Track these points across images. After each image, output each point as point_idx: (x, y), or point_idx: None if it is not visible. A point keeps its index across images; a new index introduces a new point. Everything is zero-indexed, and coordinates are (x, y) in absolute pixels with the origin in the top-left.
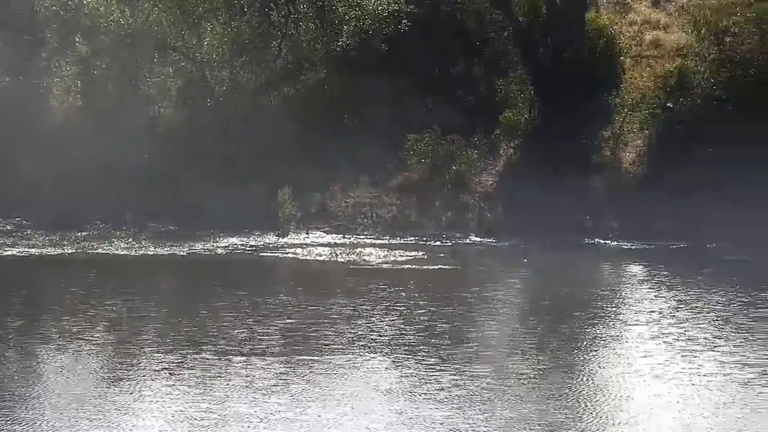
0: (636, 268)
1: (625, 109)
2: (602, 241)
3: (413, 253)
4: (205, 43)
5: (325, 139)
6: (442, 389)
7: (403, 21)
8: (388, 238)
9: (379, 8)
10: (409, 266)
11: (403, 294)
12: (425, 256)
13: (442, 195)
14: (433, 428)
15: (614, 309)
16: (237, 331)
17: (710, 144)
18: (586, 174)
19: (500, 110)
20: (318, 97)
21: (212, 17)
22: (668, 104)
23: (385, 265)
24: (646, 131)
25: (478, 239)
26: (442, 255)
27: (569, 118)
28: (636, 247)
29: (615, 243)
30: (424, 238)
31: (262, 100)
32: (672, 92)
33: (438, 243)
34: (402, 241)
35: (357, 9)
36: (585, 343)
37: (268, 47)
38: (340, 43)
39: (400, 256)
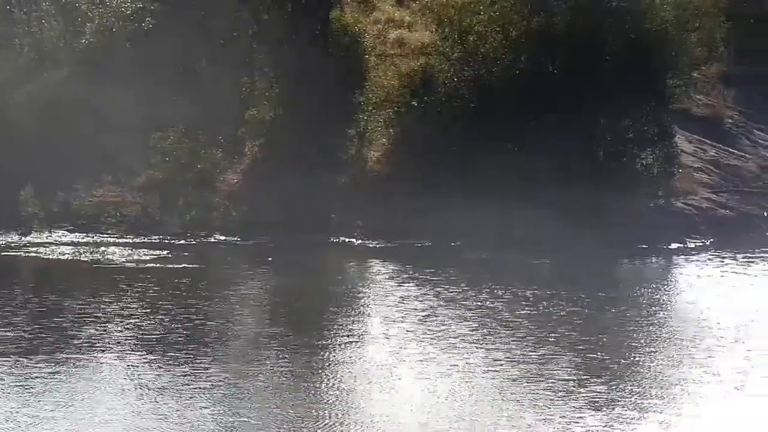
0: (387, 267)
1: (370, 108)
2: (348, 240)
3: (157, 252)
4: None
5: (69, 137)
6: (213, 387)
7: (147, 19)
8: (132, 237)
9: (123, 6)
10: (154, 265)
11: (159, 293)
12: (170, 255)
13: (187, 194)
14: (205, 426)
15: (378, 307)
16: (1, 330)
17: (454, 142)
18: (332, 172)
19: (246, 108)
20: (62, 95)
21: None
22: (413, 103)
23: (129, 264)
24: (391, 130)
25: (223, 238)
26: (187, 254)
27: (315, 116)
28: (381, 245)
29: (360, 241)
30: (168, 237)
31: (4, 97)
32: (416, 91)
33: (182, 242)
34: (146, 240)
35: (100, 6)
36: (352, 341)
37: (11, 45)
38: (83, 41)
39: (145, 255)
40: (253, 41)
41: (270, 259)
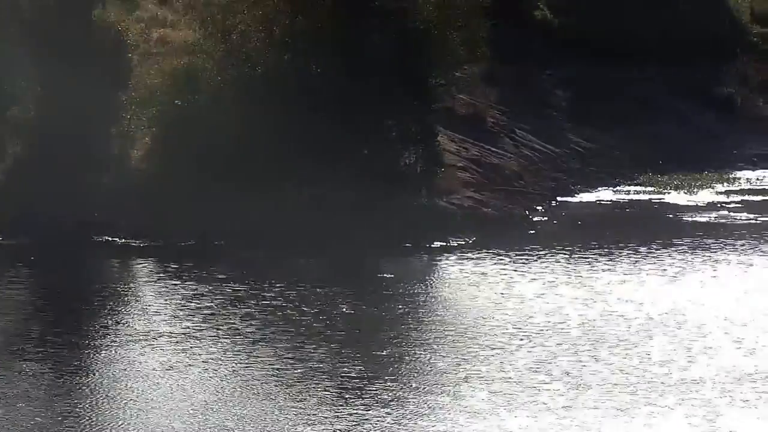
0: (162, 266)
1: (134, 107)
2: (111, 239)
3: None
4: None
5: None
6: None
7: None
8: None
9: None
10: None
11: None
12: None
13: None
14: None
15: (161, 306)
16: None
17: (219, 141)
18: (96, 171)
19: (7, 107)
20: None
21: None
22: (176, 101)
23: None
24: (155, 129)
25: None
26: None
27: (79, 115)
28: (145, 244)
29: (124, 240)
30: None
31: None
32: (180, 89)
33: None
34: None
35: None
36: (137, 339)
37: None
38: None
39: None
40: (15, 39)
41: (32, 258)
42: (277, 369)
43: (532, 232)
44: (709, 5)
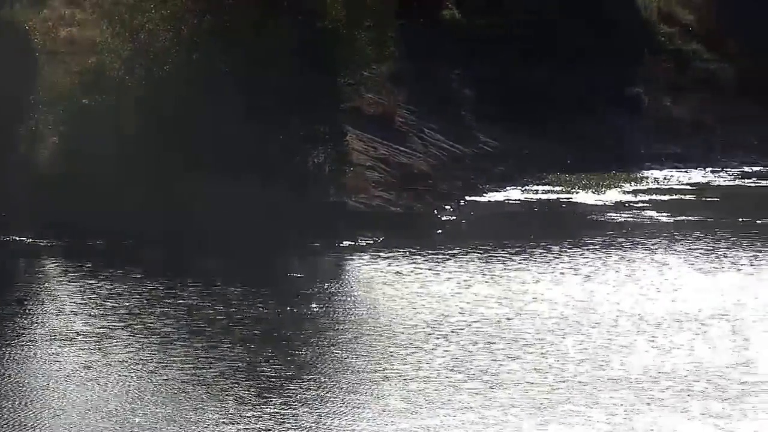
0: (76, 265)
1: (41, 107)
2: (19, 238)
3: None
4: None
5: None
6: None
7: None
8: None
9: None
10: None
11: None
12: None
13: None
14: None
15: (77, 306)
16: None
17: (127, 139)
18: (2, 171)
19: None
20: None
21: None
22: (84, 101)
23: None
24: (62, 128)
25: None
26: None
27: None
28: (53, 244)
29: (32, 240)
30: None
31: None
32: (88, 89)
33: None
34: None
35: None
36: (52, 339)
37: None
38: None
39: None
40: None
41: None
42: (196, 368)
43: (440, 231)
44: (619, 4)
